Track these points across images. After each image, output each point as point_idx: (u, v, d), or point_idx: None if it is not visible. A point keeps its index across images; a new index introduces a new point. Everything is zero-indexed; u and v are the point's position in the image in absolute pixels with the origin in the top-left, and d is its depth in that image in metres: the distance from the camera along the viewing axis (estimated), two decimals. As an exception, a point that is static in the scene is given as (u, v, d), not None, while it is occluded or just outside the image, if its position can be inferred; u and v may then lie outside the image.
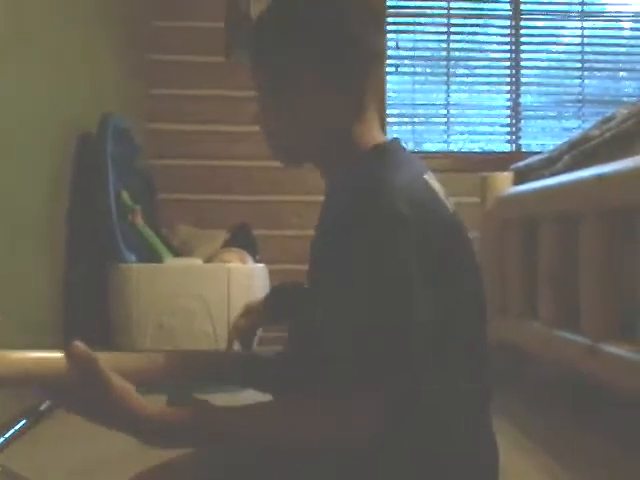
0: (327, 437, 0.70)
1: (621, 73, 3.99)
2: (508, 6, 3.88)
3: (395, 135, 3.77)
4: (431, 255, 0.72)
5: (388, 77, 3.76)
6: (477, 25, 3.95)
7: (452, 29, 3.89)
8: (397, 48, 3.85)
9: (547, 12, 3.93)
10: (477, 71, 3.94)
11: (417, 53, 3.93)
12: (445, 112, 3.88)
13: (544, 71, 3.94)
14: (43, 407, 2.04)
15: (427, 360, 0.71)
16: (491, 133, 3.90)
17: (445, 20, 3.87)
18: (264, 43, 0.84)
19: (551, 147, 2.66)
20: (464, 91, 3.91)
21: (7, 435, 1.81)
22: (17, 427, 1.87)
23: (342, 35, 0.81)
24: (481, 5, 3.92)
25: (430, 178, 0.81)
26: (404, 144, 0.87)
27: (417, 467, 0.75)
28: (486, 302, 0.83)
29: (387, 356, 0.69)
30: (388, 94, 3.76)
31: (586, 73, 3.90)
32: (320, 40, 0.81)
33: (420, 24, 3.92)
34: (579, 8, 3.91)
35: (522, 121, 3.86)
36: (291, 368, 0.90)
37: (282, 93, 0.82)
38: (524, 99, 3.88)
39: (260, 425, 0.71)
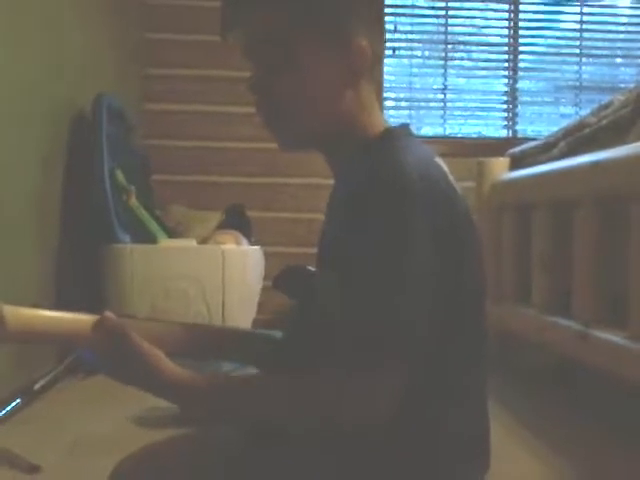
0: (344, 413, 0.71)
1: (618, 59, 3.98)
2: (507, -10, 3.86)
3: (393, 119, 3.76)
4: (438, 225, 0.72)
5: (385, 60, 3.74)
6: (475, 9, 3.93)
7: (450, 12, 3.86)
8: (395, 31, 3.82)
9: (546, -3, 3.91)
10: (475, 55, 3.92)
11: (415, 37, 3.91)
12: (442, 96, 3.86)
13: (542, 57, 3.93)
14: (37, 387, 2.05)
15: (425, 335, 0.71)
16: (488, 118, 3.90)
17: (443, 4, 3.85)
18: (265, 19, 0.82)
19: (547, 133, 2.66)
20: (461, 75, 3.90)
21: (1, 414, 1.82)
22: (11, 406, 1.87)
23: (342, 12, 0.81)
24: (480, -11, 3.89)
25: (439, 160, 0.82)
26: (412, 129, 0.87)
27: (414, 451, 0.76)
28: (486, 285, 0.83)
29: (405, 336, 0.69)
30: (385, 77, 3.74)
31: (584, 59, 3.89)
32: (321, 16, 0.81)
33: (418, 7, 3.89)
34: (578, -7, 3.89)
35: (519, 106, 3.86)
36: (296, 348, 0.90)
37: (284, 72, 0.81)
38: (521, 84, 3.87)
39: (283, 399, 0.72)
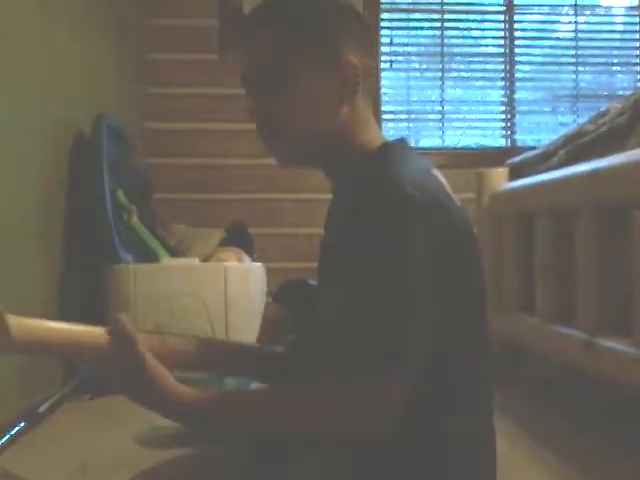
0: (345, 424, 0.72)
1: (614, 67, 4.00)
2: (501, 1, 3.88)
3: (391, 132, 3.78)
4: (435, 236, 0.73)
5: (383, 73, 3.76)
6: (471, 20, 3.95)
7: (446, 24, 3.89)
8: (391, 44, 3.84)
9: (540, 6, 3.93)
10: (472, 66, 3.94)
11: (411, 49, 3.93)
12: (440, 108, 3.88)
13: (538, 66, 3.95)
14: (41, 409, 2.05)
15: (427, 349, 0.72)
16: (486, 128, 3.91)
17: (439, 16, 3.87)
18: (261, 39, 0.84)
19: (546, 142, 2.66)
20: (459, 87, 3.92)
21: (6, 437, 1.81)
22: (16, 429, 1.87)
23: (327, 30, 0.84)
24: (475, 0, 3.92)
25: (436, 172, 0.83)
26: (409, 143, 0.88)
27: (420, 459, 0.76)
28: (486, 294, 0.83)
29: (405, 348, 0.70)
30: (383, 91, 3.76)
31: (580, 68, 3.91)
32: (308, 36, 0.83)
33: (414, 20, 3.92)
34: (572, 2, 3.91)
35: (517, 116, 3.87)
36: (300, 361, 0.90)
37: (282, 89, 0.83)
38: (519, 94, 3.88)
39: (288, 411, 0.73)
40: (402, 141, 0.87)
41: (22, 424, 1.90)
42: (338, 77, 0.82)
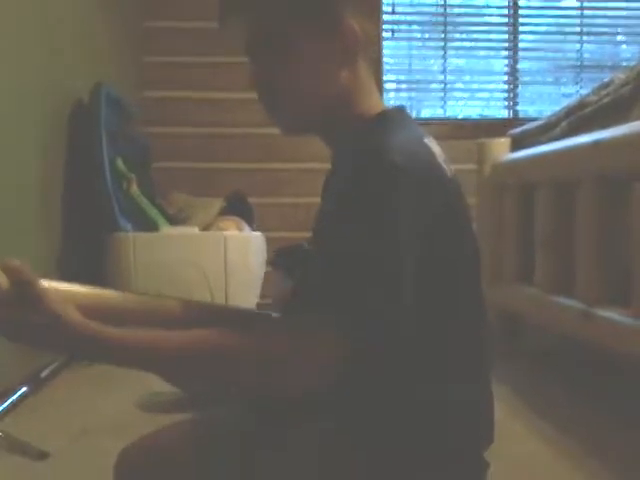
0: (279, 370, 0.70)
1: (619, 37, 3.95)
2: (506, -31, 3.82)
3: (393, 102, 3.75)
4: (425, 207, 0.74)
5: (384, 42, 3.72)
6: (475, -11, 3.90)
7: (449, -7, 3.83)
8: (393, 12, 3.79)
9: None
10: (474, 36, 3.90)
11: (414, 18, 3.88)
12: (442, 78, 3.84)
13: (542, 36, 3.90)
14: (43, 374, 2.07)
15: (410, 314, 0.72)
16: (488, 99, 3.88)
17: (442, -16, 3.82)
18: (263, 5, 0.84)
19: (548, 113, 2.65)
20: (461, 56, 3.88)
21: (7, 402, 1.83)
22: (17, 394, 1.89)
23: None
24: (479, -32, 3.86)
25: (430, 142, 0.83)
26: (407, 111, 0.88)
27: (419, 425, 0.77)
28: (481, 266, 0.84)
29: (350, 296, 0.70)
30: (384, 59, 3.72)
31: (584, 37, 3.86)
32: (308, 1, 0.83)
33: (417, -12, 3.87)
34: (578, -29, 3.85)
35: (520, 87, 3.84)
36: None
37: (283, 55, 0.83)
38: (522, 64, 3.84)
39: (220, 352, 0.71)
40: (400, 109, 0.87)
41: (23, 389, 1.92)
42: (338, 43, 0.82)
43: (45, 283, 0.75)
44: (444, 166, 0.81)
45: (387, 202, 0.71)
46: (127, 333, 0.71)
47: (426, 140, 0.82)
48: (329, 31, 0.82)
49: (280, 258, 0.99)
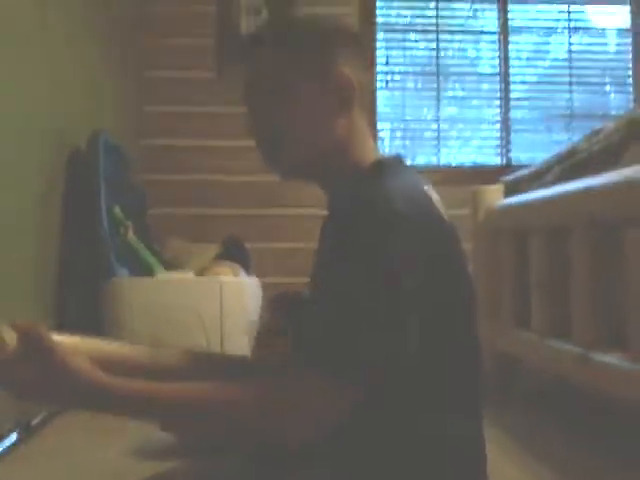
0: (281, 423, 0.70)
1: (608, 87, 4.04)
2: (496, 21, 3.93)
3: (387, 150, 3.80)
4: (426, 253, 0.74)
5: (379, 92, 3.79)
6: (466, 41, 4.00)
7: (441, 45, 3.93)
8: (387, 63, 3.88)
9: (535, 28, 3.98)
10: (467, 86, 3.98)
11: (407, 68, 3.97)
12: (436, 126, 3.91)
13: (533, 85, 3.99)
14: (35, 422, 2.04)
15: (412, 358, 0.72)
16: (482, 147, 3.94)
17: (434, 35, 3.92)
18: (263, 57, 0.87)
19: (541, 160, 2.69)
20: (454, 105, 3.95)
21: (1, 448, 1.80)
22: (11, 441, 1.86)
23: (322, 45, 0.87)
24: (470, 21, 3.97)
25: (428, 189, 0.84)
26: (404, 160, 0.90)
27: (414, 464, 0.76)
28: (477, 309, 0.85)
29: (369, 352, 0.70)
30: (379, 109, 3.79)
31: (574, 87, 3.95)
32: (304, 52, 0.86)
33: (409, 40, 3.97)
34: (566, 24, 3.96)
35: (512, 134, 3.90)
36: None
37: (282, 102, 0.85)
38: (514, 113, 3.92)
39: (222, 406, 0.71)
40: (397, 157, 0.89)
41: (15, 437, 1.89)
42: (335, 91, 0.85)
43: (57, 337, 0.75)
44: (442, 212, 0.83)
45: (388, 249, 0.72)
46: (140, 386, 0.71)
47: (424, 187, 0.83)
48: (326, 80, 0.85)
49: (275, 304, 0.99)
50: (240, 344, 2.55)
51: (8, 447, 1.83)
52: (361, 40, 0.94)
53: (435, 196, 0.85)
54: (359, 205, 0.76)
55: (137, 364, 0.84)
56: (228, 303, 2.51)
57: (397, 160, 0.88)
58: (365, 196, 0.76)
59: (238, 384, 0.72)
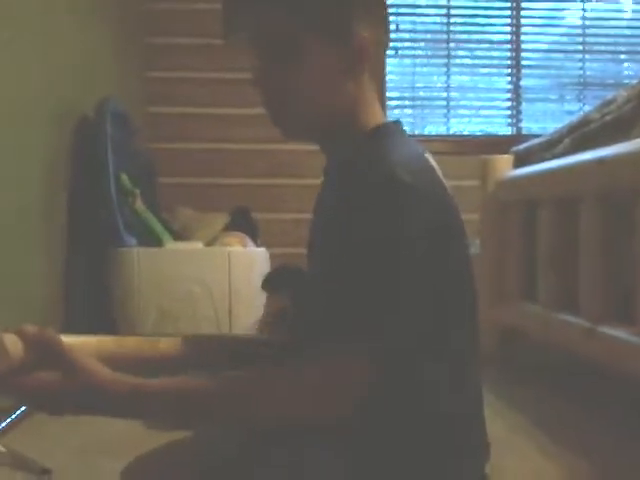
0: (301, 404, 0.70)
1: (622, 55, 3.97)
2: (509, -13, 3.85)
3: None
4: (430, 223, 0.73)
5: (388, 60, 3.74)
6: (478, 7, 3.93)
7: (452, 11, 3.87)
8: (397, 30, 3.82)
9: (548, -7, 3.91)
10: (478, 53, 3.92)
11: (417, 35, 3.91)
12: (445, 95, 3.86)
13: (545, 54, 3.93)
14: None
15: (417, 331, 0.72)
16: (492, 116, 3.89)
17: (445, 2, 3.85)
18: (275, 7, 0.83)
19: (552, 130, 2.65)
20: (465, 74, 3.90)
21: (10, 419, 1.83)
22: (20, 411, 1.88)
23: (343, 2, 0.83)
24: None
25: (429, 157, 0.83)
26: (404, 126, 0.88)
27: (403, 443, 0.76)
28: (474, 277, 0.84)
29: (377, 326, 0.70)
30: (388, 77, 3.74)
31: (587, 55, 3.89)
32: (322, 7, 0.82)
33: (420, 6, 3.90)
34: (580, -11, 3.88)
35: (523, 104, 3.85)
36: (290, 350, 0.90)
37: (287, 63, 0.82)
38: (525, 82, 3.86)
39: (249, 396, 0.70)
40: (396, 123, 0.87)
41: (24, 407, 1.92)
42: (347, 52, 0.82)
43: (67, 339, 0.72)
44: (443, 181, 0.82)
45: (399, 221, 0.71)
46: (165, 383, 0.70)
47: (425, 155, 0.82)
48: (340, 40, 0.82)
49: (274, 280, 0.99)
50: (248, 314, 2.57)
51: (22, 417, 1.85)
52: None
53: (436, 165, 0.83)
54: (364, 176, 0.74)
55: (142, 358, 0.83)
56: (236, 274, 2.52)
57: (397, 126, 0.86)
58: (371, 166, 0.75)
59: (272, 368, 0.72)
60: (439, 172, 0.82)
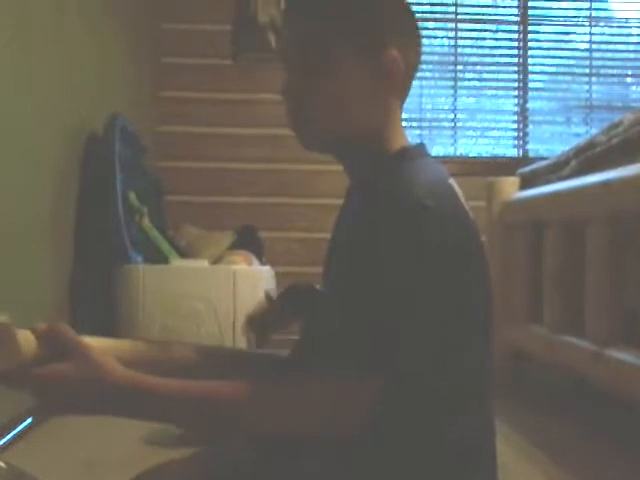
0: (315, 421, 0.70)
1: (629, 79, 3.99)
2: (516, 11, 3.88)
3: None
4: (448, 247, 0.73)
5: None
6: (485, 30, 3.96)
7: (460, 33, 3.89)
8: (405, 52, 3.85)
9: (555, 17, 3.93)
10: (485, 76, 3.94)
11: (425, 57, 3.93)
12: (453, 117, 3.88)
13: (552, 76, 3.94)
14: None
15: (434, 353, 0.72)
16: (498, 138, 3.90)
17: (453, 25, 3.88)
18: (310, 19, 0.84)
19: (558, 152, 2.66)
20: (472, 96, 3.92)
21: (13, 433, 1.82)
22: (22, 426, 1.88)
23: (376, 21, 0.83)
24: (489, 10, 3.92)
25: (451, 180, 0.83)
26: (428, 149, 0.87)
27: (418, 463, 0.76)
28: (492, 300, 0.83)
29: (391, 347, 0.70)
30: (395, 98, 3.76)
31: (594, 79, 3.90)
32: (356, 24, 0.83)
33: (428, 28, 3.93)
34: (587, 13, 3.90)
35: (529, 126, 3.86)
36: (299, 367, 0.90)
37: (317, 76, 0.82)
38: (532, 104, 3.88)
39: (255, 409, 0.70)
40: (421, 146, 0.86)
41: (29, 420, 1.91)
42: (377, 70, 0.82)
43: (86, 338, 0.73)
44: (466, 206, 0.81)
45: (420, 245, 0.71)
46: (174, 383, 0.69)
47: (449, 180, 0.82)
48: (373, 58, 0.82)
49: (287, 295, 0.98)
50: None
51: (22, 433, 1.85)
52: (414, 15, 0.89)
53: (458, 188, 0.83)
54: (387, 198, 0.74)
55: (152, 362, 0.83)
56: (241, 292, 2.52)
57: (422, 149, 0.85)
58: (391, 188, 0.75)
59: (275, 382, 0.71)
60: (462, 197, 0.82)
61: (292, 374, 0.74)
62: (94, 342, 0.79)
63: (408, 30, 0.86)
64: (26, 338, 0.68)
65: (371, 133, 0.83)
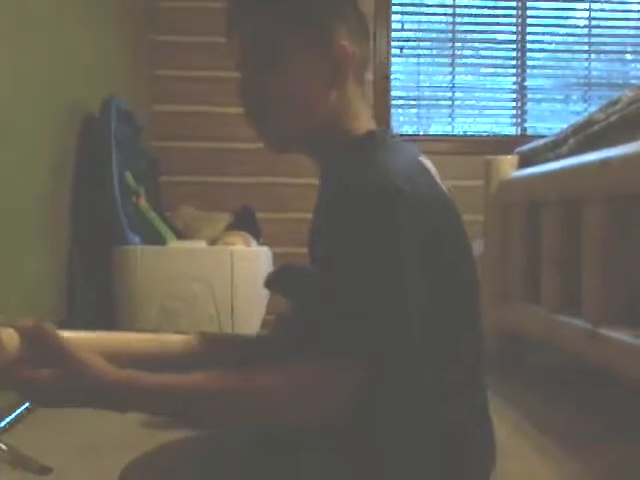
0: (298, 404, 0.70)
1: (628, 55, 3.96)
2: (515, -13, 3.84)
3: (401, 118, 3.76)
4: (426, 229, 0.73)
5: (393, 59, 3.73)
6: (483, 6, 3.91)
7: (457, 10, 3.85)
8: (402, 30, 3.82)
9: (554, -7, 3.89)
10: (483, 53, 3.91)
11: (422, 35, 3.90)
12: (450, 94, 3.85)
13: (550, 53, 3.91)
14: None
15: (419, 338, 0.71)
16: (497, 116, 3.88)
17: (451, 1, 3.84)
18: (259, 17, 0.84)
19: (557, 130, 2.64)
20: (470, 73, 3.89)
21: (12, 416, 1.83)
22: (22, 409, 1.89)
23: (323, 13, 0.84)
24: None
25: (424, 160, 0.82)
26: (394, 131, 0.88)
27: (411, 448, 0.76)
28: (478, 281, 0.83)
29: (374, 333, 0.69)
30: (393, 76, 3.74)
31: (593, 55, 3.87)
32: (303, 17, 0.83)
33: (425, 5, 3.88)
34: (587, -11, 3.86)
35: (528, 104, 3.84)
36: (287, 348, 0.90)
37: (269, 73, 0.83)
38: (530, 82, 3.85)
39: (232, 395, 0.69)
40: (387, 128, 0.87)
41: (27, 404, 1.92)
42: (328, 61, 0.83)
43: (65, 334, 0.72)
44: (440, 183, 0.81)
45: (393, 226, 0.71)
46: (160, 379, 0.69)
47: (420, 158, 0.81)
48: (322, 50, 0.83)
49: (276, 279, 0.98)
50: (250, 314, 2.57)
51: (20, 417, 1.85)
52: (361, 7, 0.90)
53: (431, 167, 0.82)
54: (352, 181, 0.74)
55: (145, 355, 0.83)
56: (239, 273, 2.52)
57: (388, 132, 0.85)
58: (362, 172, 0.74)
59: (263, 370, 0.70)
60: (435, 174, 0.81)
61: (275, 360, 0.73)
62: (81, 338, 0.78)
63: (355, 21, 0.87)
64: (10, 337, 0.67)
65: (331, 124, 0.84)
